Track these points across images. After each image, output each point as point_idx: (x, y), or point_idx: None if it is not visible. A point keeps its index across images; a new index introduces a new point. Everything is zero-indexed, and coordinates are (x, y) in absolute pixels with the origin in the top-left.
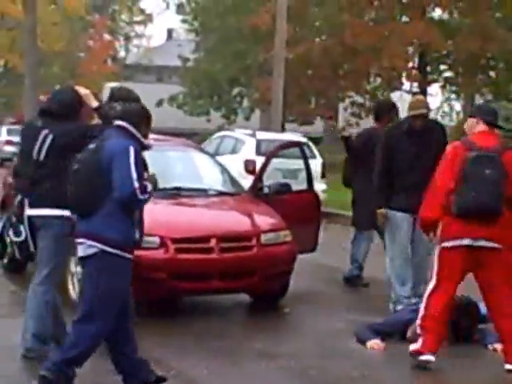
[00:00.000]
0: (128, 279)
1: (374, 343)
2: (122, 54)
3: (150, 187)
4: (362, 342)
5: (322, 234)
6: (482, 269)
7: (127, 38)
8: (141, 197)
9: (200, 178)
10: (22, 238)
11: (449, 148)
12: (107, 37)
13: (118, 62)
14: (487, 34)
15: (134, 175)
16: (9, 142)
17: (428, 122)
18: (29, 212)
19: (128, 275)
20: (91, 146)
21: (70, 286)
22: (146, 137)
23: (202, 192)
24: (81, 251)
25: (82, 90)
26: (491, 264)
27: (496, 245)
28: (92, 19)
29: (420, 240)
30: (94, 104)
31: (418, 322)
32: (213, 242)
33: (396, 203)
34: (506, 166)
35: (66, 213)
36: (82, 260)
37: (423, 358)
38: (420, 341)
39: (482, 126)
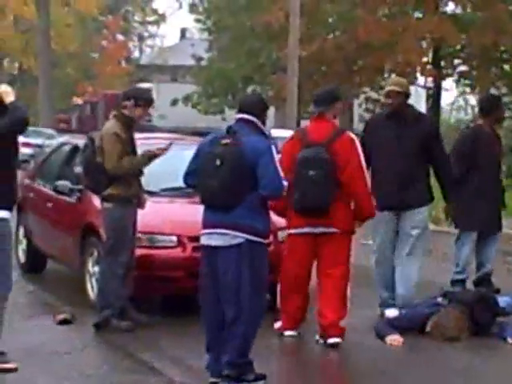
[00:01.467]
0: (266, 262)
1: (393, 338)
2: (135, 54)
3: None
4: (381, 337)
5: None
6: (322, 252)
7: (141, 39)
8: (284, 193)
9: None
10: None
11: (285, 141)
12: (120, 37)
13: (131, 63)
14: (500, 27)
15: (282, 174)
16: (25, 144)
17: (405, 108)
18: None
19: (266, 259)
20: (224, 140)
21: (89, 286)
22: (264, 125)
23: None
24: (221, 241)
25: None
26: (329, 246)
27: (334, 229)
28: (105, 20)
29: (402, 235)
30: (9, 100)
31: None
32: None
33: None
34: (336, 154)
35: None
36: (220, 250)
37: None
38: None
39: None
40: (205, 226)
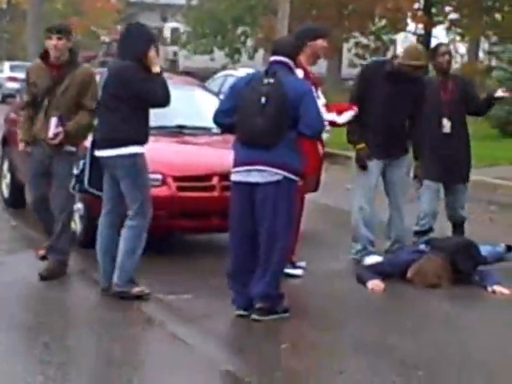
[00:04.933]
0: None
1: (375, 283)
2: None
3: None
4: (363, 282)
5: (324, 174)
6: None
7: None
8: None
9: (203, 116)
10: (77, 171)
11: None
12: None
13: (121, 0)
14: None
15: (323, 114)
16: (12, 79)
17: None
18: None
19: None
20: (267, 80)
21: (72, 223)
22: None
23: (205, 130)
24: (259, 178)
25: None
26: None
27: None
28: None
29: (394, 182)
30: (155, 70)
31: None
32: (215, 180)
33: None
34: None
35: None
36: (257, 186)
37: None
38: None
39: None
40: (241, 164)
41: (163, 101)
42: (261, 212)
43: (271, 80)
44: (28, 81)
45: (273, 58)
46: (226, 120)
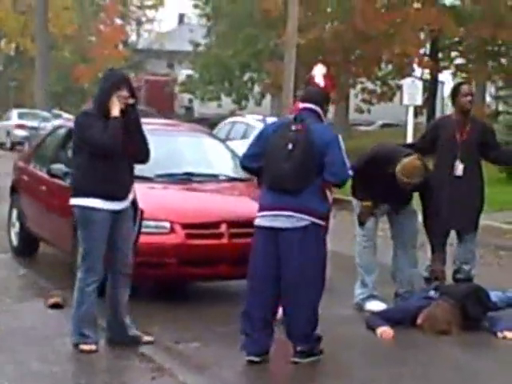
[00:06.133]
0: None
1: (384, 330)
2: (133, 38)
3: None
4: (372, 328)
5: (331, 220)
6: None
7: (138, 23)
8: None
9: (211, 163)
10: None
11: None
12: (118, 21)
13: (129, 47)
14: (499, 20)
15: (348, 163)
16: (20, 126)
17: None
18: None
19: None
20: (294, 126)
21: None
22: (325, 116)
23: (213, 177)
24: (287, 223)
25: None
26: None
27: None
28: (103, 3)
29: (401, 228)
30: (113, 114)
31: None
32: (223, 228)
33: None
34: None
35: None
36: (282, 231)
37: None
38: None
39: None
40: (268, 208)
41: (105, 148)
42: (288, 257)
43: (299, 127)
44: None
45: (302, 105)
46: (253, 164)
